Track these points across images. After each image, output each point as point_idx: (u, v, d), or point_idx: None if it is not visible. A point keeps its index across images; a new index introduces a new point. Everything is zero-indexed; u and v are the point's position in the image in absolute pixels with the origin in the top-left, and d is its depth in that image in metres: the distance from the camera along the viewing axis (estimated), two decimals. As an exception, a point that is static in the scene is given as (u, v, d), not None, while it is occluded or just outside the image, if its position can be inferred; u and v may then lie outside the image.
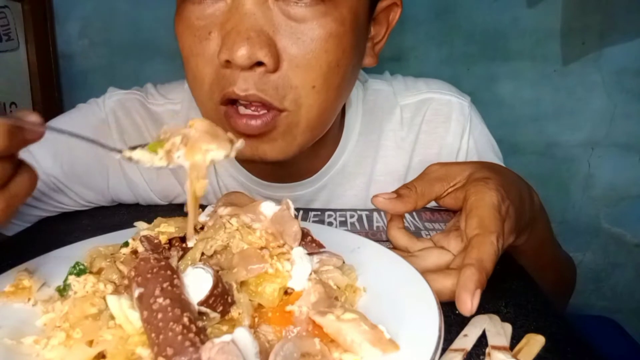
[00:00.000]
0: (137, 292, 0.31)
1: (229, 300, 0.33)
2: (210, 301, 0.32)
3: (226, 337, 0.27)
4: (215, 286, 0.32)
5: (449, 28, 1.45)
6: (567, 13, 1.40)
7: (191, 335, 0.28)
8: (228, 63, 0.48)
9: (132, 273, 0.32)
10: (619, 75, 1.42)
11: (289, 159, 0.56)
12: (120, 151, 0.36)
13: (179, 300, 0.30)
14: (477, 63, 1.46)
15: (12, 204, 0.35)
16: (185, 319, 0.28)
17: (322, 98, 0.52)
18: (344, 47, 0.51)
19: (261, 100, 0.50)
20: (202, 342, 0.28)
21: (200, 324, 0.29)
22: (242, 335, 0.28)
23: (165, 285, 0.30)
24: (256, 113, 0.51)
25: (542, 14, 1.41)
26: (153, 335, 0.28)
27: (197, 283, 0.32)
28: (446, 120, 0.72)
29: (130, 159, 0.35)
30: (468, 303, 0.35)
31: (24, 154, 0.38)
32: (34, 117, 0.35)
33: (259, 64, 0.48)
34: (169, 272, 0.31)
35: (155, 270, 0.31)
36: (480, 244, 0.40)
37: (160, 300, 0.29)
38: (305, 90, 0.51)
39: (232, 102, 0.52)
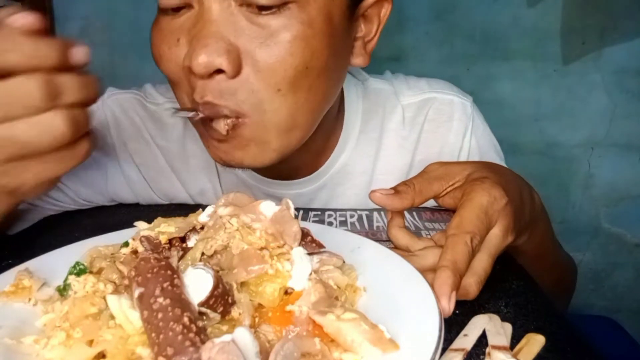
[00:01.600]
0: (137, 292, 0.30)
1: (230, 300, 0.33)
2: (211, 302, 0.32)
3: (226, 337, 0.27)
4: (215, 287, 0.32)
5: (449, 28, 1.45)
6: (567, 13, 1.40)
7: (191, 335, 0.28)
8: (190, 70, 0.48)
9: (132, 273, 0.32)
10: (619, 75, 1.42)
11: (269, 164, 0.55)
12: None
13: (179, 300, 0.30)
14: (477, 63, 1.46)
15: (90, 151, 0.42)
16: (186, 319, 0.28)
17: (289, 101, 0.51)
18: (313, 50, 0.49)
19: (216, 106, 0.49)
20: (203, 342, 0.28)
21: (200, 323, 0.29)
22: (243, 335, 0.28)
23: (165, 285, 0.30)
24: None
25: (542, 13, 1.41)
26: (153, 335, 0.28)
27: (197, 283, 0.32)
28: (448, 120, 0.72)
29: None
30: (445, 306, 0.36)
31: None
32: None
33: (219, 71, 0.47)
34: (169, 272, 0.31)
35: (155, 270, 0.31)
36: (454, 244, 0.40)
37: (160, 300, 0.29)
38: (268, 94, 0.49)
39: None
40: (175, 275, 0.31)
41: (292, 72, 0.49)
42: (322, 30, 0.50)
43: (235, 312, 0.33)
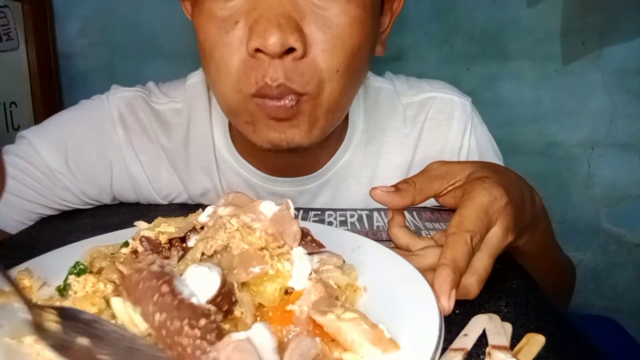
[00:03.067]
0: (138, 313, 0.30)
1: (233, 299, 0.33)
2: (218, 299, 0.31)
3: (241, 335, 0.27)
4: (223, 285, 0.31)
5: (449, 28, 1.45)
6: (567, 13, 1.40)
7: (198, 342, 0.27)
8: (257, 52, 0.48)
9: (125, 294, 0.31)
10: (619, 75, 1.42)
11: (314, 143, 0.56)
12: (33, 305, 0.31)
13: (173, 309, 0.28)
14: (477, 63, 1.46)
15: None
16: (187, 328, 0.27)
17: (344, 81, 0.53)
18: (366, 32, 0.53)
19: (288, 90, 0.51)
20: (211, 342, 0.27)
21: (202, 322, 0.28)
22: (260, 331, 0.28)
23: (155, 297, 0.29)
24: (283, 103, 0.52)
25: (542, 13, 1.41)
26: (169, 352, 0.28)
27: (203, 281, 0.31)
28: (449, 119, 0.73)
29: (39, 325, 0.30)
30: (445, 304, 0.37)
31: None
32: None
33: (289, 50, 0.49)
34: (153, 282, 0.29)
35: (140, 285, 0.29)
36: (454, 243, 0.40)
37: (157, 316, 0.28)
38: (329, 74, 0.52)
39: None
40: (160, 282, 0.29)
41: (350, 53, 0.52)
42: (372, 15, 0.53)
43: (237, 312, 0.33)
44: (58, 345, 0.28)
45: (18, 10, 1.39)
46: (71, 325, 0.29)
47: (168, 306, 0.28)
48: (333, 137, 0.69)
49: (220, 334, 0.28)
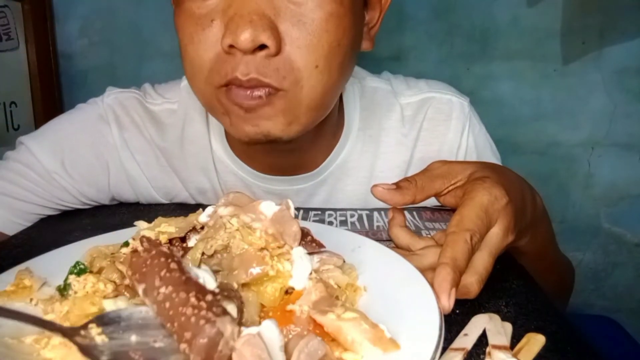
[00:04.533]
0: (140, 289, 0.30)
1: (243, 310, 0.33)
2: None
3: (253, 330, 0.28)
4: (240, 316, 0.30)
5: (448, 27, 1.45)
6: (567, 12, 1.40)
7: (203, 312, 0.27)
8: (231, 48, 0.49)
9: (129, 272, 0.31)
10: (619, 75, 1.42)
11: (293, 137, 0.56)
12: (73, 331, 0.31)
13: (181, 284, 0.29)
14: (477, 62, 1.46)
15: None
16: (193, 299, 0.28)
17: (325, 78, 0.53)
18: (344, 27, 0.52)
19: (260, 83, 0.50)
20: (217, 315, 0.27)
21: (209, 297, 0.28)
22: (269, 329, 0.28)
23: (162, 273, 0.29)
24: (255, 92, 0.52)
25: (542, 13, 1.41)
26: (168, 325, 0.28)
27: None
28: (447, 119, 0.73)
29: (86, 347, 0.30)
30: (445, 303, 0.37)
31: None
32: None
33: (262, 47, 0.49)
34: (162, 259, 0.30)
35: (148, 262, 0.30)
36: (454, 242, 0.40)
37: (162, 289, 0.29)
38: (308, 71, 0.51)
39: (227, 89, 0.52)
40: (169, 260, 0.30)
41: (328, 49, 0.51)
42: (350, 9, 0.52)
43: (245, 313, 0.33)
44: (116, 352, 0.29)
45: (18, 10, 1.39)
46: (112, 330, 0.30)
47: (175, 280, 0.29)
48: (327, 135, 0.69)
49: (225, 312, 0.28)
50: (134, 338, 0.29)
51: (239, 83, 0.50)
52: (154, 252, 0.31)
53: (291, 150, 0.58)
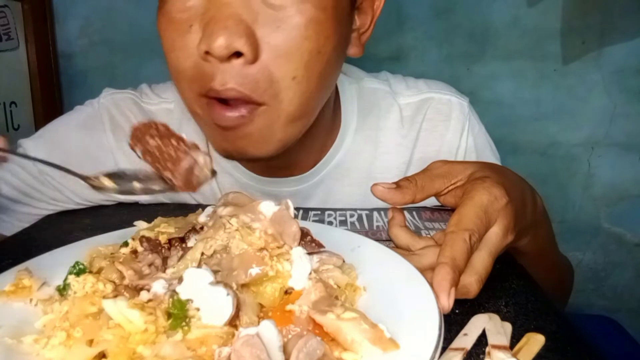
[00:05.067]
0: (138, 151, 0.40)
1: (240, 309, 0.33)
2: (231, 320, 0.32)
3: (251, 330, 0.28)
4: (236, 313, 0.31)
5: (448, 27, 1.45)
6: (567, 12, 1.40)
7: (182, 148, 0.37)
8: (207, 55, 0.47)
9: (131, 143, 0.41)
10: (619, 74, 1.41)
11: (272, 155, 0.55)
12: (87, 177, 0.41)
13: (165, 136, 0.38)
14: (477, 62, 1.46)
15: None
16: (174, 142, 0.38)
17: (303, 89, 0.51)
18: (326, 34, 0.50)
19: (240, 95, 0.49)
20: (191, 149, 0.37)
21: (187, 141, 0.39)
22: (268, 329, 0.28)
23: (152, 132, 0.39)
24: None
25: (542, 13, 1.41)
26: (157, 165, 0.38)
27: (217, 304, 0.31)
28: (446, 119, 0.73)
29: (102, 187, 0.40)
30: (445, 302, 0.37)
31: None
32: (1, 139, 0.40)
33: (238, 54, 0.47)
34: (151, 126, 0.40)
35: (142, 128, 0.40)
36: (453, 241, 0.40)
37: (152, 142, 0.39)
38: (285, 82, 0.49)
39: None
40: (156, 125, 0.40)
41: (307, 57, 0.49)
42: (333, 16, 0.50)
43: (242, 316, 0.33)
44: (124, 191, 0.40)
45: (18, 10, 1.39)
46: (118, 180, 0.41)
47: (161, 134, 0.39)
48: (321, 135, 0.69)
49: (197, 147, 0.39)
50: (136, 184, 0.40)
51: (216, 94, 0.49)
52: (145, 122, 0.41)
53: (284, 152, 0.58)
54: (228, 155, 0.55)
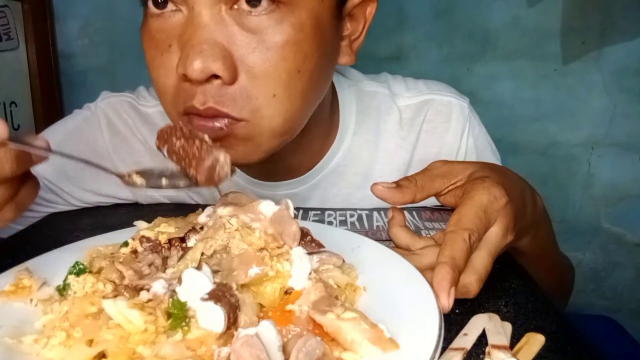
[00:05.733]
0: (164, 150, 0.43)
1: (237, 312, 0.33)
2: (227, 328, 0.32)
3: (251, 330, 0.28)
4: (228, 324, 0.31)
5: (449, 27, 1.45)
6: (567, 12, 1.40)
7: (204, 148, 0.41)
8: (185, 77, 0.47)
9: (157, 143, 0.44)
10: (619, 74, 1.42)
11: (255, 162, 0.55)
12: (121, 175, 0.43)
13: (189, 137, 0.42)
14: (477, 62, 1.46)
15: (19, 212, 0.42)
16: (198, 143, 0.41)
17: (285, 106, 0.51)
18: (305, 53, 0.49)
19: (219, 114, 0.49)
20: (213, 148, 0.41)
21: (209, 142, 0.41)
22: (267, 329, 0.29)
23: (178, 134, 0.43)
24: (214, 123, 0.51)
25: (542, 13, 1.41)
26: (183, 163, 0.42)
27: (210, 316, 0.31)
28: (446, 121, 0.73)
29: (133, 183, 0.43)
30: (445, 302, 0.37)
31: None
32: (40, 142, 0.39)
33: (215, 77, 0.47)
34: (177, 128, 0.43)
35: (168, 131, 0.43)
36: (452, 241, 0.40)
37: (178, 143, 0.42)
38: (266, 100, 0.49)
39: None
40: (181, 128, 0.43)
41: (286, 77, 0.49)
42: (312, 34, 0.50)
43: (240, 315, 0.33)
44: (152, 186, 0.43)
45: (18, 10, 1.39)
46: (147, 177, 0.43)
47: (185, 135, 0.42)
48: (317, 140, 0.68)
49: (219, 147, 0.42)
50: (163, 181, 0.43)
51: (197, 112, 0.49)
52: (172, 125, 0.44)
53: (279, 157, 0.57)
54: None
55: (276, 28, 0.47)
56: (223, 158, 0.41)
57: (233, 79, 0.48)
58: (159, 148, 0.45)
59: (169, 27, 0.49)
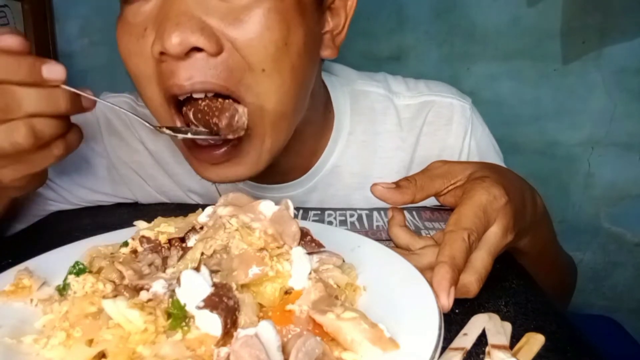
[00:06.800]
0: (190, 114, 0.50)
1: (236, 314, 0.33)
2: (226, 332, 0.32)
3: (250, 330, 0.28)
4: (227, 327, 0.31)
5: (449, 27, 1.45)
6: (567, 12, 1.40)
7: (226, 103, 0.49)
8: (163, 55, 0.45)
9: (185, 108, 0.51)
10: (619, 74, 1.42)
11: (265, 167, 0.55)
12: (156, 127, 0.49)
13: (212, 99, 0.49)
14: (477, 62, 1.46)
15: (68, 151, 0.46)
16: (220, 100, 0.49)
17: (276, 82, 0.49)
18: (289, 24, 0.47)
19: (211, 87, 0.47)
20: (230, 103, 0.49)
21: None
22: (266, 329, 0.28)
23: (202, 99, 0.50)
24: (217, 143, 0.50)
25: (542, 13, 1.41)
26: (207, 118, 0.49)
27: (209, 323, 0.31)
28: (448, 123, 0.72)
29: (163, 132, 0.49)
30: (444, 301, 0.37)
31: None
32: (89, 91, 0.45)
33: (196, 51, 0.45)
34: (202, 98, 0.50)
35: (192, 100, 0.50)
36: (452, 241, 0.40)
37: (202, 103, 0.50)
38: (254, 76, 0.47)
39: (179, 102, 0.50)
40: (203, 96, 0.49)
41: (273, 48, 0.47)
42: (293, 6, 0.48)
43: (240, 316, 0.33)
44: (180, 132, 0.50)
45: (18, 10, 1.39)
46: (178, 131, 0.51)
47: (211, 98, 0.50)
48: (311, 140, 0.68)
49: (238, 102, 0.49)
50: (189, 134, 0.50)
51: (181, 90, 0.47)
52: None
53: (276, 158, 0.57)
54: (217, 182, 0.55)
55: None
56: (241, 110, 0.48)
57: (218, 50, 0.46)
58: (184, 113, 0.50)
59: (144, 11, 0.48)
